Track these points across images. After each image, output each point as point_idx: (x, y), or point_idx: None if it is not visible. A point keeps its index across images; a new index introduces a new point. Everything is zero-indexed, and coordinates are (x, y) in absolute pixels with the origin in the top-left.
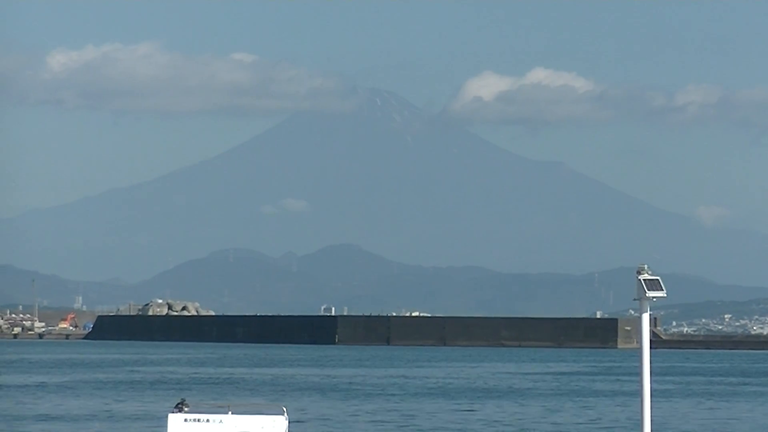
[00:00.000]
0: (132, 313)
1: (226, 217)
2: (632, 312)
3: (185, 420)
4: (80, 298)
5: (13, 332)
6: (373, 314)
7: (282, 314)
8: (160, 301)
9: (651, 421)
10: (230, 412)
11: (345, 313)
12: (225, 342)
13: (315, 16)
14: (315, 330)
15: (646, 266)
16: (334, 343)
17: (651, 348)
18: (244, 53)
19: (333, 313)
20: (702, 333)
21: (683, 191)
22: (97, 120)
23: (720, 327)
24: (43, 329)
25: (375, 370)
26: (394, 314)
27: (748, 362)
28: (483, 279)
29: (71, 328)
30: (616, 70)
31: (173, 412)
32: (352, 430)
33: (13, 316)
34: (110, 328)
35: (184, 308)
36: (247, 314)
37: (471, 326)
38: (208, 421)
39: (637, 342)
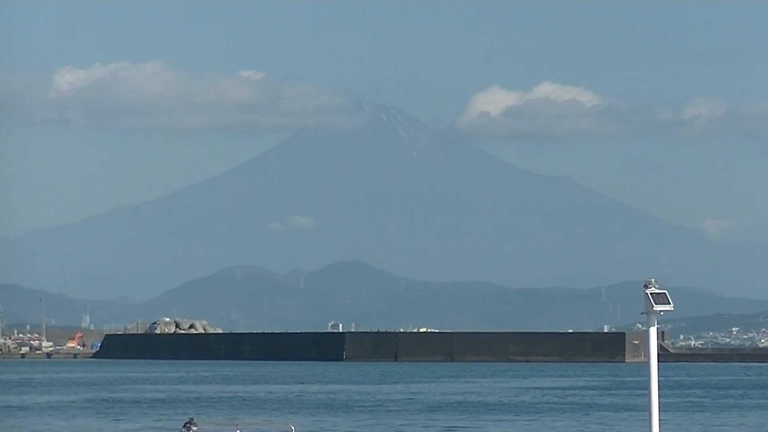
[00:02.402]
0: (139, 332)
1: (233, 234)
2: (640, 326)
3: None
4: (87, 317)
5: (21, 352)
6: (380, 330)
7: (290, 331)
8: (167, 319)
9: None
10: (238, 431)
11: (353, 330)
12: (233, 360)
13: (322, 34)
14: (323, 347)
15: (653, 280)
16: (342, 359)
17: (659, 362)
18: (252, 71)
19: (341, 330)
20: (710, 346)
21: (690, 205)
22: (105, 139)
23: (728, 340)
24: (51, 348)
25: (383, 387)
26: (402, 330)
27: (756, 375)
28: (490, 294)
29: (79, 347)
30: (623, 84)
31: None
32: None
33: (21, 335)
34: (118, 346)
35: (191, 326)
36: (254, 332)
37: (479, 342)
38: None
39: (645, 356)
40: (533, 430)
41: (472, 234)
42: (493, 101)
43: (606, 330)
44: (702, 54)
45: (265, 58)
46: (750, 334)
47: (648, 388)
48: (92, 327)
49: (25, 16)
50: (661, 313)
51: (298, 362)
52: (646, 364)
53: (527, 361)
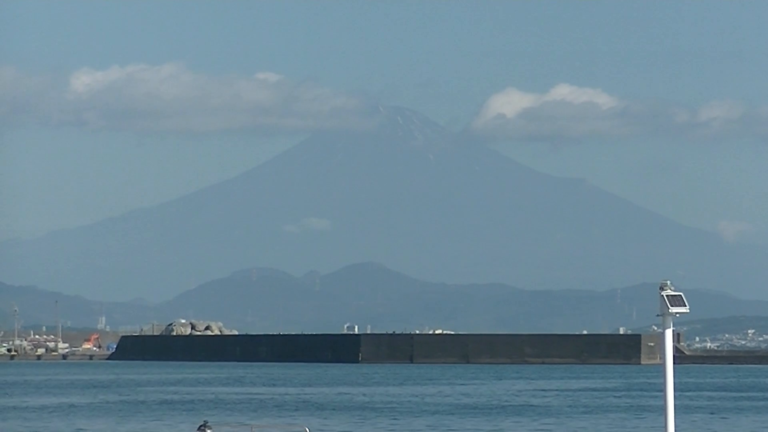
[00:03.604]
0: (155, 334)
1: (248, 236)
2: (655, 328)
3: None
4: (103, 318)
5: (36, 353)
6: (396, 332)
7: (305, 333)
8: (183, 321)
9: None
10: None
11: (368, 332)
12: (248, 361)
13: (338, 36)
14: (338, 348)
15: (668, 282)
16: (357, 361)
17: (674, 364)
18: (269, 72)
19: (356, 332)
20: (725, 348)
21: (706, 207)
22: (121, 140)
23: (743, 342)
24: (67, 350)
25: (399, 389)
26: (418, 332)
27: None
28: (506, 296)
29: (95, 348)
30: (639, 85)
31: None
32: None
33: (37, 337)
34: (133, 348)
35: (207, 328)
36: (270, 333)
37: (494, 344)
38: None
39: (660, 358)
40: (548, 431)
41: (487, 236)
42: (509, 103)
43: (621, 332)
44: (718, 56)
45: (281, 60)
46: (766, 336)
47: (663, 390)
48: (108, 328)
49: (41, 18)
50: (677, 315)
51: (313, 364)
52: (662, 366)
53: (542, 363)
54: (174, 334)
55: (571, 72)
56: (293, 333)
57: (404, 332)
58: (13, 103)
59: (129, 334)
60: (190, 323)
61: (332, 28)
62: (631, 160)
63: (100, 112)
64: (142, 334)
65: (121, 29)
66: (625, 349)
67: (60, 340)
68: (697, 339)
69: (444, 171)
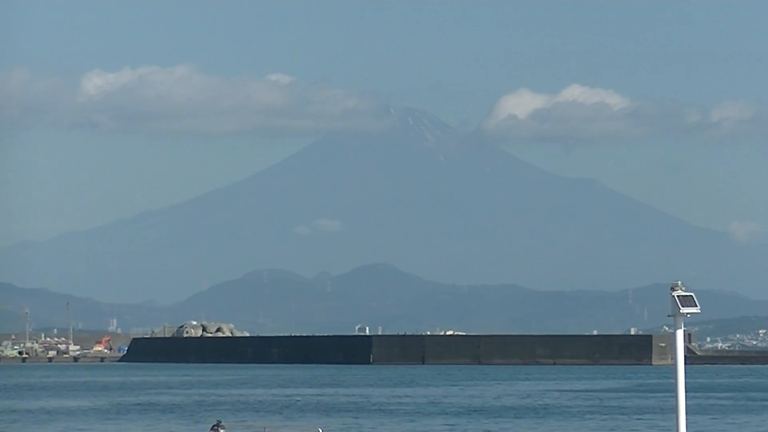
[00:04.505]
0: (167, 336)
1: (260, 237)
2: (667, 328)
3: None
4: (115, 320)
5: (48, 355)
6: (407, 333)
7: (317, 334)
8: (194, 322)
9: None
10: None
11: (380, 333)
12: (260, 363)
13: (350, 38)
14: (350, 350)
15: (680, 282)
16: (369, 362)
17: (686, 364)
18: (281, 74)
19: (368, 333)
20: (737, 348)
21: (717, 207)
22: (132, 142)
23: (755, 342)
24: (78, 352)
25: (411, 390)
26: (429, 333)
27: None
28: (517, 297)
29: (106, 350)
30: (650, 86)
31: None
32: None
33: (48, 339)
34: (145, 350)
35: (218, 330)
36: (281, 335)
37: (506, 344)
38: None
39: (671, 358)
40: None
41: (498, 237)
42: (521, 104)
43: (633, 332)
44: (730, 57)
45: (293, 62)
46: None
47: (675, 390)
48: (119, 331)
49: (53, 20)
50: (688, 315)
51: (325, 365)
52: (673, 367)
53: (554, 363)
54: (185, 335)
55: (582, 73)
56: (305, 334)
57: (416, 333)
58: (25, 105)
59: (140, 336)
60: (202, 325)
61: (344, 30)
62: (642, 160)
63: (111, 114)
64: (154, 336)
65: (132, 31)
66: (637, 350)
67: (71, 342)
68: (709, 339)
69: (455, 172)
